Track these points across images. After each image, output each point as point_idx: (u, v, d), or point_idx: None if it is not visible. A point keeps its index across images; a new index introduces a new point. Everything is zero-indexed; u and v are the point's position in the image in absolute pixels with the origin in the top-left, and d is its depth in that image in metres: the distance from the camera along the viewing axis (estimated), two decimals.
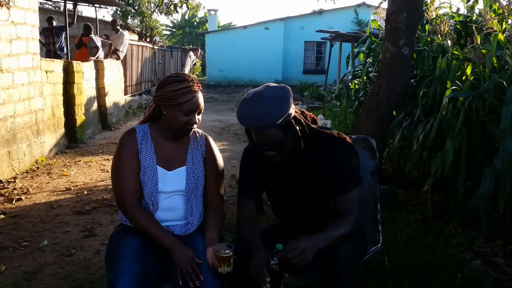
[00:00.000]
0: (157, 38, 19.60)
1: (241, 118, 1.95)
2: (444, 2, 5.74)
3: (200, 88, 2.10)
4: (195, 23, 37.40)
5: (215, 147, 2.25)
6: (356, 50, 6.27)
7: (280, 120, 1.88)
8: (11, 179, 5.44)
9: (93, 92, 8.91)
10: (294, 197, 2.17)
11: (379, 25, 6.41)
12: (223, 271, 1.90)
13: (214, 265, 1.91)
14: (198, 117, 2.08)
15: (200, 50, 31.80)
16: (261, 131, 1.92)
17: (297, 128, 1.98)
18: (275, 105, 1.89)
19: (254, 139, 1.99)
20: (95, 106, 9.02)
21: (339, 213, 2.05)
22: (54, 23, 10.13)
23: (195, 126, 2.09)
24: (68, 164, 6.38)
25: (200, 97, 2.07)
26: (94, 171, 5.96)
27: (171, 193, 2.12)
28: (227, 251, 1.90)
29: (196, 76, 29.05)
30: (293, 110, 1.97)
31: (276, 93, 1.93)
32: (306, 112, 2.12)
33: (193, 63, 29.43)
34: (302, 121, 2.03)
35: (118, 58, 10.89)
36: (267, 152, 1.98)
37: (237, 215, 2.21)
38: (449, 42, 4.39)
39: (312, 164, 2.07)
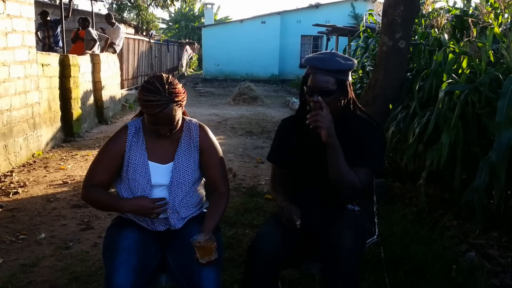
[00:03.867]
0: (153, 32, 19.56)
1: (311, 59, 2.14)
2: None
3: (177, 99, 1.98)
4: (192, 17, 37.28)
5: (212, 135, 2.23)
6: (352, 44, 6.26)
7: (344, 73, 2.12)
8: (7, 172, 5.44)
9: (89, 86, 8.89)
10: (316, 171, 2.21)
11: (376, 19, 6.41)
12: (203, 261, 1.90)
13: (195, 255, 1.92)
14: (170, 127, 2.03)
15: (196, 44, 31.72)
16: (323, 74, 2.09)
17: (349, 91, 2.18)
18: (344, 59, 2.14)
19: (310, 83, 2.12)
20: (91, 100, 9.00)
21: None
22: (49, 17, 10.07)
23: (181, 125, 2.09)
24: (64, 157, 6.38)
25: (170, 110, 1.96)
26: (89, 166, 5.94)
27: (165, 186, 2.13)
28: (203, 241, 1.90)
29: (192, 70, 28.97)
30: (350, 77, 2.19)
31: (345, 57, 2.19)
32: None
33: (190, 57, 29.38)
34: (352, 93, 2.22)
35: (114, 51, 10.85)
36: (314, 99, 2.09)
37: (270, 179, 2.47)
38: (445, 35, 4.40)
39: (344, 141, 2.14)
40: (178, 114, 2.02)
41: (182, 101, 2.03)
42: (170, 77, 2.04)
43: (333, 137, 2.03)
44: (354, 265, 1.94)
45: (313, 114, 2.03)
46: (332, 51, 2.21)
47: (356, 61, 2.19)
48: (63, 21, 9.16)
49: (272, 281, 2.06)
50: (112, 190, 2.23)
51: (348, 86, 2.17)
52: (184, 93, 2.04)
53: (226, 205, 2.24)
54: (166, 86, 1.96)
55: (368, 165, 2.15)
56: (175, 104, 1.97)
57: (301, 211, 2.20)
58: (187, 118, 2.23)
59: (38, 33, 9.58)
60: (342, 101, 2.17)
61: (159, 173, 2.11)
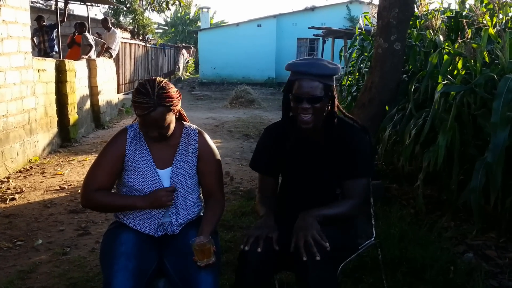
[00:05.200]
0: (149, 36, 19.56)
1: (296, 65, 2.10)
2: None
3: (167, 103, 1.97)
4: (188, 21, 37.29)
5: (210, 141, 2.24)
6: (351, 49, 6.29)
7: (330, 78, 2.08)
8: (4, 178, 5.42)
9: (85, 91, 8.88)
10: (306, 178, 2.21)
11: (371, 22, 6.42)
12: (201, 264, 1.91)
13: (194, 258, 1.92)
14: (160, 131, 2.03)
15: (193, 48, 31.71)
16: (310, 80, 2.04)
17: (335, 98, 2.14)
18: (331, 65, 2.09)
19: (297, 90, 2.07)
20: (88, 105, 8.99)
21: (342, 197, 2.15)
22: (44, 22, 10.06)
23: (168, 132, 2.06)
24: (61, 163, 6.36)
25: (158, 114, 1.96)
26: (87, 170, 5.92)
27: None
28: (202, 244, 1.91)
29: (189, 74, 28.97)
30: (334, 82, 2.13)
31: (329, 61, 2.13)
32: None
33: (186, 61, 29.37)
34: (337, 101, 2.18)
35: (110, 56, 10.84)
36: (303, 106, 2.05)
37: (258, 188, 2.38)
38: (440, 37, 4.42)
39: (331, 147, 2.14)
40: (168, 119, 2.02)
41: (174, 106, 2.02)
42: (165, 81, 2.04)
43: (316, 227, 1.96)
44: (325, 269, 1.90)
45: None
46: (314, 56, 2.18)
47: (340, 66, 2.15)
48: (59, 26, 9.14)
49: (263, 285, 2.03)
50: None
51: (334, 91, 2.14)
52: (177, 98, 2.04)
53: (222, 212, 2.25)
54: (156, 90, 1.96)
55: (363, 175, 2.16)
56: (164, 108, 1.97)
57: (292, 217, 2.18)
58: (186, 124, 2.24)
59: (34, 38, 9.58)
60: (328, 107, 2.14)
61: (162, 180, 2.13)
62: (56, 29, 9.46)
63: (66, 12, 10.38)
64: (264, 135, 2.36)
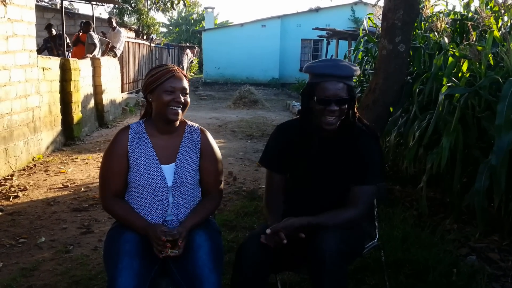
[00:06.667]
0: (154, 36, 19.57)
1: (322, 67, 2.07)
2: (440, 0, 5.76)
3: (182, 73, 2.13)
4: (192, 21, 37.34)
5: (212, 140, 2.26)
6: (356, 51, 6.29)
7: (351, 79, 2.08)
8: (8, 176, 5.44)
9: (90, 90, 8.90)
10: (315, 181, 2.20)
11: (375, 23, 6.42)
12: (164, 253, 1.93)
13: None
14: (185, 98, 2.10)
15: (197, 48, 31.75)
16: (336, 82, 2.03)
17: (356, 100, 2.13)
18: (352, 66, 2.09)
19: (324, 93, 2.04)
20: (92, 103, 9.01)
21: (347, 203, 2.11)
22: (54, 31, 10.03)
23: (181, 109, 2.10)
24: (65, 161, 6.38)
25: (181, 76, 2.10)
26: (91, 169, 5.96)
27: (168, 188, 2.14)
28: (172, 234, 1.93)
29: (193, 74, 29.04)
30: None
31: (349, 62, 2.12)
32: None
33: (190, 61, 29.38)
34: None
35: (115, 55, 10.86)
36: (331, 109, 2.04)
37: (265, 187, 2.36)
38: (445, 39, 4.41)
39: (343, 151, 2.14)
40: (187, 87, 2.12)
41: (187, 80, 2.15)
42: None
43: (301, 225, 2.00)
44: (338, 268, 1.91)
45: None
46: (333, 57, 2.16)
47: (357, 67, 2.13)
48: (64, 25, 9.15)
49: (260, 282, 2.04)
50: None
51: (354, 92, 2.13)
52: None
53: (214, 209, 2.27)
54: (170, 64, 2.14)
55: (371, 182, 2.13)
56: (183, 75, 2.11)
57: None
58: (189, 122, 2.26)
59: (46, 50, 9.59)
60: (350, 108, 2.12)
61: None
62: (65, 36, 9.43)
63: (63, 12, 10.33)
64: (275, 132, 2.34)
